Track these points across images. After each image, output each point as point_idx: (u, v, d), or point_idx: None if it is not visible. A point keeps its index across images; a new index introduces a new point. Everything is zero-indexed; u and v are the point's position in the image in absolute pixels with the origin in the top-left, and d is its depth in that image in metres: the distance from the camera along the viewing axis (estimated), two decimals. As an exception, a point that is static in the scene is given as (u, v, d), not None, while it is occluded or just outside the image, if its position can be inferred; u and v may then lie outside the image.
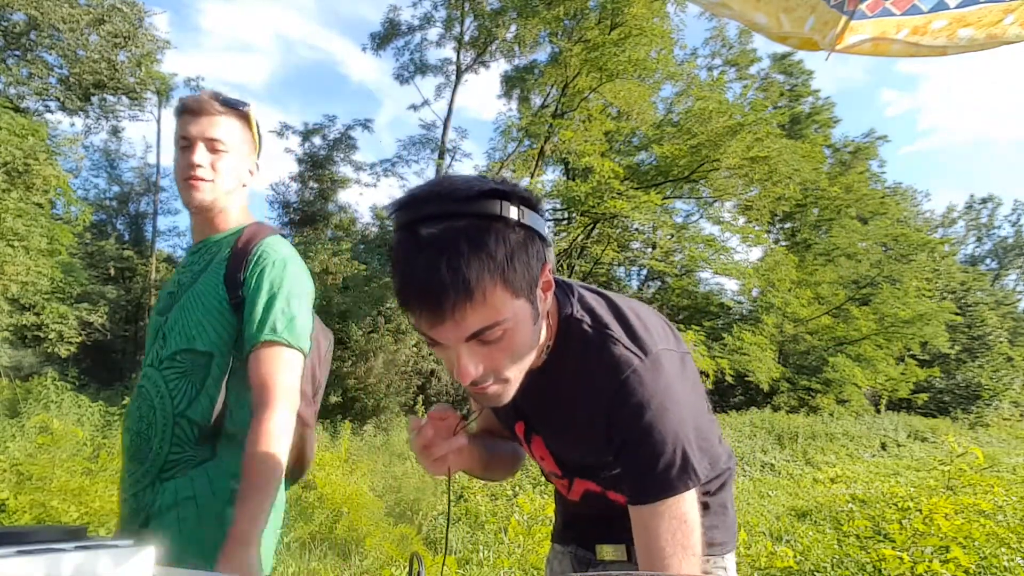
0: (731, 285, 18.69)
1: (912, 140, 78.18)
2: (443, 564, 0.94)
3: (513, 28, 16.00)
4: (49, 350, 11.42)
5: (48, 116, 14.22)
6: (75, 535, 0.72)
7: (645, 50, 13.69)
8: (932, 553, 3.42)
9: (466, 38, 16.65)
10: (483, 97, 55.54)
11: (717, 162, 13.98)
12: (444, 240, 0.68)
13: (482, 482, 5.32)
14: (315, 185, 18.18)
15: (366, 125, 18.23)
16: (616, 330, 0.86)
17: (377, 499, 5.23)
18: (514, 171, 14.87)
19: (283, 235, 1.33)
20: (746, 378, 14.73)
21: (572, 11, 14.55)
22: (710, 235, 15.46)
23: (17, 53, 13.06)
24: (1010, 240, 35.56)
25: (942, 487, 5.56)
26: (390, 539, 4.34)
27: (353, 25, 53.36)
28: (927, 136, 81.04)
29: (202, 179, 1.24)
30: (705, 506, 0.97)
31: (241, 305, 1.19)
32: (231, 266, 1.22)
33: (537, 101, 16.77)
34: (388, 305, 11.81)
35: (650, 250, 17.11)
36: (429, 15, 16.93)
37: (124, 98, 15.20)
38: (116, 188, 19.96)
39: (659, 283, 19.12)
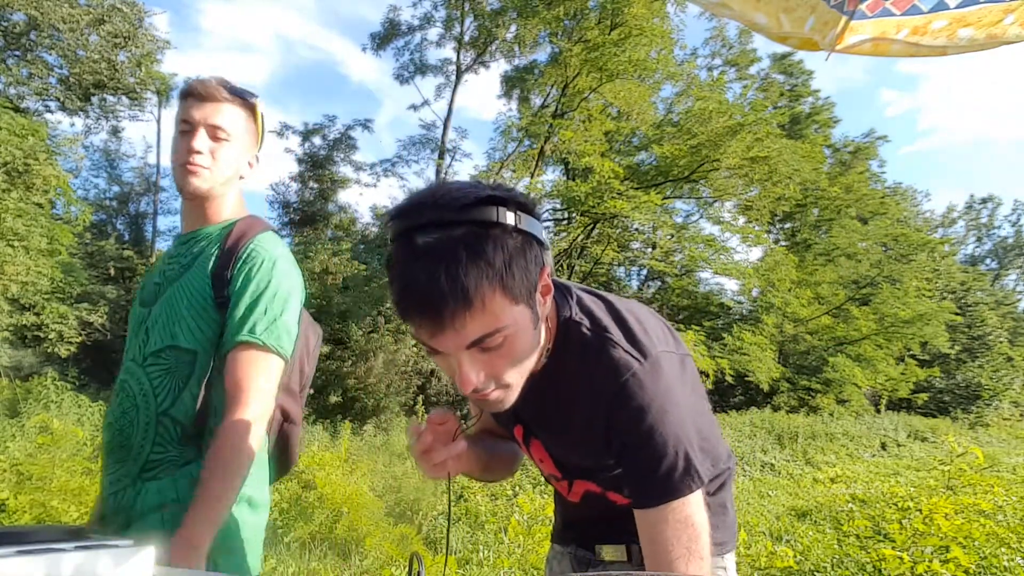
0: (731, 285, 18.72)
1: (912, 140, 78.27)
2: (444, 565, 0.94)
3: (513, 28, 16.00)
4: (49, 350, 11.41)
5: (48, 116, 14.22)
6: (75, 535, 0.72)
7: (645, 50, 13.68)
8: (932, 553, 3.42)
9: (466, 38, 16.65)
10: (483, 97, 55.54)
11: (717, 162, 13.97)
12: (442, 249, 0.68)
13: (482, 482, 5.31)
14: (315, 185, 18.18)
15: (366, 125, 18.27)
16: (615, 333, 0.85)
17: (377, 499, 5.22)
18: (514, 171, 14.87)
19: (276, 231, 1.30)
20: (746, 378, 14.73)
21: (572, 11, 14.55)
22: (710, 235, 15.46)
23: (17, 53, 13.05)
24: (1010, 240, 35.56)
25: (942, 487, 5.56)
26: (390, 539, 4.33)
27: (353, 25, 53.38)
28: (927, 136, 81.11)
29: (200, 166, 1.21)
30: (705, 506, 0.97)
31: (227, 303, 1.16)
32: (219, 263, 1.19)
33: (537, 101, 16.77)
34: (388, 305, 11.81)
35: (650, 250, 17.10)
36: (429, 15, 16.95)
37: (124, 98, 15.18)
38: (116, 188, 19.93)
39: (659, 283, 19.11)
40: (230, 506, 1.04)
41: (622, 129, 15.94)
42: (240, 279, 1.17)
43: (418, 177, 18.56)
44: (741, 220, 17.32)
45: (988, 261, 35.33)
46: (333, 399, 11.17)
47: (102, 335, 12.65)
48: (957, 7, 1.26)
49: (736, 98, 16.55)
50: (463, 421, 0.93)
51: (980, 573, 3.49)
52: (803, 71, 21.93)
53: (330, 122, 18.13)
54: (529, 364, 0.80)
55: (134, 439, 1.14)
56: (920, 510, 4.04)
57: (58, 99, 13.95)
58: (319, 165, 18.07)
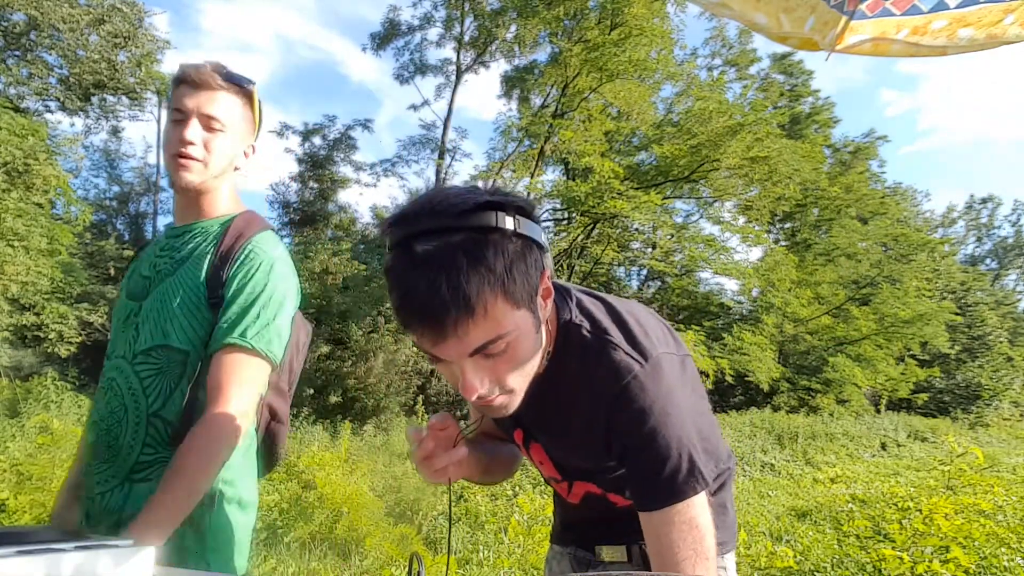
0: (731, 285, 18.71)
1: (912, 140, 78.28)
2: (448, 565, 0.94)
3: (513, 28, 16.00)
4: (49, 350, 11.41)
5: (48, 116, 14.22)
6: (75, 535, 0.72)
7: (645, 50, 13.68)
8: (932, 553, 3.42)
9: (466, 38, 16.65)
10: (483, 97, 55.49)
11: (717, 162, 13.97)
12: (441, 256, 0.67)
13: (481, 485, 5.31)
14: (315, 185, 18.19)
15: (366, 125, 18.29)
16: (615, 335, 0.85)
17: (377, 499, 5.22)
18: (514, 171, 14.87)
19: (273, 230, 1.26)
20: (746, 378, 14.72)
21: (572, 11, 14.55)
22: (710, 235, 15.46)
23: (17, 53, 13.05)
24: (1010, 240, 35.56)
25: (942, 487, 5.56)
26: (390, 539, 4.33)
27: (353, 25, 53.35)
28: (927, 136, 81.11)
29: (193, 158, 1.15)
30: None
31: (220, 304, 1.13)
32: (216, 263, 1.15)
33: (537, 101, 16.77)
34: (388, 305, 11.76)
35: (650, 250, 17.10)
36: (429, 15, 16.95)
37: (124, 98, 15.18)
38: (116, 188, 19.96)
39: (659, 283, 19.11)
40: (195, 501, 1.00)
41: (622, 129, 15.93)
42: (236, 281, 1.13)
43: (418, 177, 18.59)
44: (741, 220, 17.33)
45: (988, 261, 35.34)
46: (333, 399, 11.17)
47: (102, 335, 12.64)
48: (957, 7, 1.26)
49: (736, 98, 16.56)
50: (462, 421, 0.93)
51: (980, 573, 3.49)
52: (803, 71, 21.95)
53: (330, 122, 18.17)
54: (532, 368, 0.80)
55: (122, 439, 1.11)
56: (920, 510, 4.04)
57: (58, 99, 13.95)
58: (319, 165, 18.08)
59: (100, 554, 0.67)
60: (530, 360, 0.78)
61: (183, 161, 1.15)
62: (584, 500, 1.06)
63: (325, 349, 11.83)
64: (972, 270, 28.25)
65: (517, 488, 5.86)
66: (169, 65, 14.84)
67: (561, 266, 14.49)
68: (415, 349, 11.67)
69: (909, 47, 1.31)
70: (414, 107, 18.96)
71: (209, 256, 1.16)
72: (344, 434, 7.88)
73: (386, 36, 17.42)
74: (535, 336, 0.77)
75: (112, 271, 14.48)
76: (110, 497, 1.10)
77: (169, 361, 1.12)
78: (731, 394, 16.71)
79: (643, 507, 0.82)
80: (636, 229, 16.59)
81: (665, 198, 14.88)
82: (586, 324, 0.87)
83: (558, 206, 16.08)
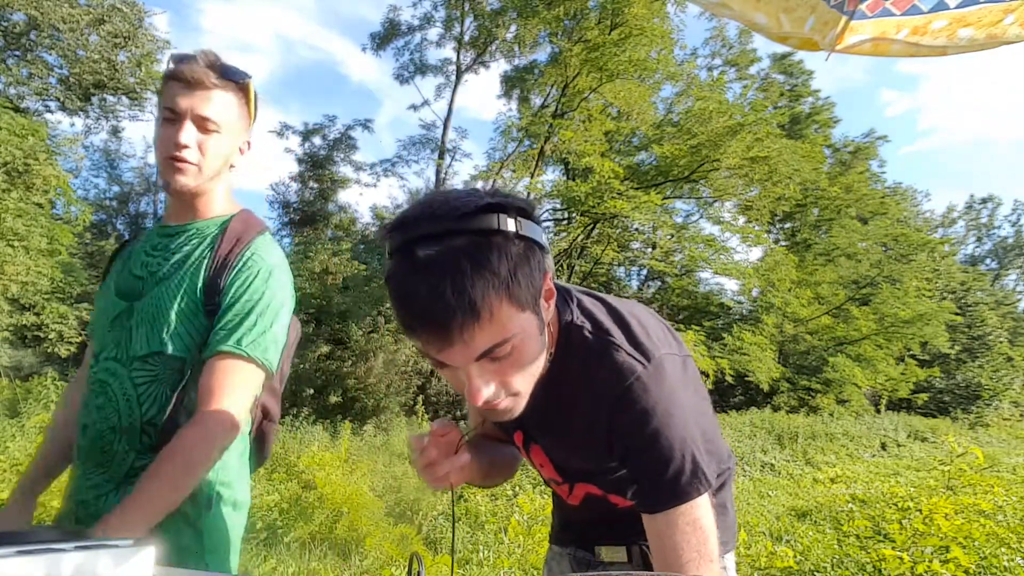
0: (731, 285, 18.71)
1: (912, 140, 78.33)
2: (452, 567, 0.94)
3: (513, 28, 16.00)
4: (49, 350, 11.41)
5: (48, 116, 14.21)
6: (75, 535, 0.72)
7: (645, 50, 13.68)
8: (932, 553, 3.42)
9: (466, 38, 16.66)
10: (483, 97, 55.50)
11: (717, 162, 13.97)
12: (445, 261, 0.66)
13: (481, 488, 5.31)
14: (315, 185, 18.19)
15: (366, 125, 18.28)
16: (617, 336, 0.85)
17: (377, 499, 5.22)
18: (514, 171, 14.87)
19: (270, 231, 1.24)
20: (746, 378, 14.72)
21: (572, 11, 14.54)
22: (710, 235, 15.45)
23: (17, 53, 13.05)
24: (1010, 240, 35.55)
25: (942, 487, 5.56)
26: (390, 539, 4.33)
27: (353, 25, 53.34)
28: (927, 136, 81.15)
29: (188, 161, 1.11)
30: None
31: (217, 311, 1.11)
32: (214, 269, 1.12)
33: (537, 101, 16.77)
34: (388, 305, 11.77)
35: (650, 250, 17.10)
36: (429, 15, 16.95)
37: (124, 98, 15.16)
38: (116, 188, 19.98)
39: (659, 283, 19.12)
40: (174, 502, 0.98)
41: (622, 129, 15.93)
42: (233, 288, 1.11)
43: (418, 177, 18.65)
44: (741, 220, 17.33)
45: (988, 261, 35.34)
46: (333, 399, 11.17)
47: (102, 335, 12.63)
48: (957, 7, 1.26)
49: (736, 98, 16.56)
50: (462, 422, 0.93)
51: (980, 573, 3.49)
52: (803, 71, 21.94)
53: (330, 122, 18.17)
54: (537, 370, 0.79)
55: (116, 445, 1.09)
56: (920, 510, 4.04)
57: (58, 99, 13.94)
58: (319, 165, 18.07)
59: (100, 554, 0.66)
60: (535, 362, 0.78)
61: (178, 165, 1.11)
62: (584, 501, 1.06)
63: (325, 349, 11.84)
64: (972, 270, 28.25)
65: (517, 488, 5.86)
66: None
67: (561, 266, 14.49)
68: (415, 349, 11.64)
69: (909, 47, 1.31)
70: (414, 107, 19.02)
71: (206, 261, 1.14)
72: (344, 434, 7.87)
73: (386, 36, 17.42)
74: (539, 338, 0.76)
75: (112, 271, 14.46)
76: (104, 502, 1.09)
77: (165, 369, 1.10)
78: (731, 394, 16.71)
79: (646, 509, 0.81)
80: (636, 229, 16.59)
81: (665, 198, 14.87)
82: (588, 325, 0.87)
83: (558, 206, 16.08)
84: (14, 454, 5.26)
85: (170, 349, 1.10)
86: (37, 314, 11.14)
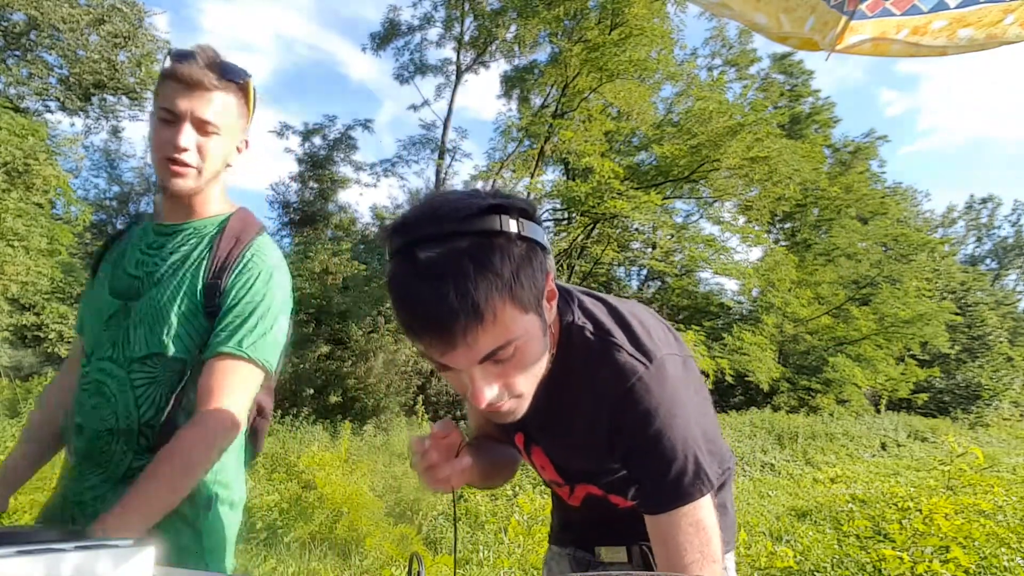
0: (731, 285, 18.71)
1: (912, 140, 78.45)
2: (454, 567, 0.94)
3: (513, 28, 16.00)
4: (49, 350, 11.40)
5: (48, 116, 14.21)
6: (75, 535, 0.72)
7: (645, 50, 13.68)
8: (932, 553, 3.42)
9: (466, 38, 16.66)
10: (483, 97, 55.49)
11: (717, 162, 13.97)
12: (447, 263, 0.66)
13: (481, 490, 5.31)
14: (315, 185, 18.19)
15: (366, 125, 18.29)
16: (619, 336, 0.84)
17: (377, 499, 5.22)
18: (514, 171, 14.87)
19: (267, 230, 1.23)
20: (746, 378, 14.72)
21: (572, 11, 14.54)
22: (710, 235, 15.45)
23: (17, 53, 13.05)
24: (1010, 240, 35.57)
25: (942, 487, 5.56)
26: (390, 539, 4.33)
27: (353, 25, 53.32)
28: (927, 136, 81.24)
29: (187, 164, 1.09)
30: None
31: (217, 312, 1.10)
32: (214, 270, 1.11)
33: (537, 101, 16.77)
34: (388, 305, 11.77)
35: (650, 250, 17.10)
36: (429, 15, 16.96)
37: (124, 98, 15.16)
38: (116, 188, 20.00)
39: (659, 283, 19.12)
40: (172, 503, 0.97)
41: (622, 129, 15.93)
42: (234, 290, 1.11)
43: (418, 177, 18.60)
44: (741, 220, 17.32)
45: (988, 261, 35.35)
46: (333, 399, 11.17)
47: (102, 335, 12.62)
48: (957, 7, 1.26)
49: (736, 98, 16.55)
50: (462, 422, 0.93)
51: (980, 573, 3.50)
52: (803, 71, 21.93)
53: (330, 122, 18.17)
54: (539, 371, 0.79)
55: (114, 446, 1.09)
56: (920, 510, 4.03)
57: (58, 99, 13.94)
58: (319, 165, 18.07)
59: (100, 554, 0.66)
60: (538, 363, 0.77)
61: (176, 168, 1.09)
62: (585, 502, 1.05)
63: (325, 349, 11.84)
64: (972, 270, 28.25)
65: (517, 488, 5.86)
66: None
67: (561, 266, 14.48)
68: (415, 349, 11.64)
69: (909, 47, 1.31)
70: (414, 107, 19.01)
71: (205, 262, 1.13)
72: (344, 434, 7.87)
73: (386, 36, 17.43)
74: (542, 339, 0.76)
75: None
76: (102, 502, 1.08)
77: (165, 371, 1.09)
78: (731, 394, 16.70)
79: (649, 510, 0.81)
80: (636, 229, 16.59)
81: (665, 198, 14.88)
82: (589, 326, 0.87)
83: (558, 206, 16.07)
84: (14, 454, 5.25)
85: (170, 351, 1.09)
86: (37, 314, 11.14)
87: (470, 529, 4.95)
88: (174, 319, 1.10)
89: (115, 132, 18.44)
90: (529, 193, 13.70)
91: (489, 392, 0.73)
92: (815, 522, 5.73)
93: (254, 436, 1.32)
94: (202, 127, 1.09)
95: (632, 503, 0.99)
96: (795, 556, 3.75)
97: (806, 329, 17.96)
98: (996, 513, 4.65)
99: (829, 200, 19.49)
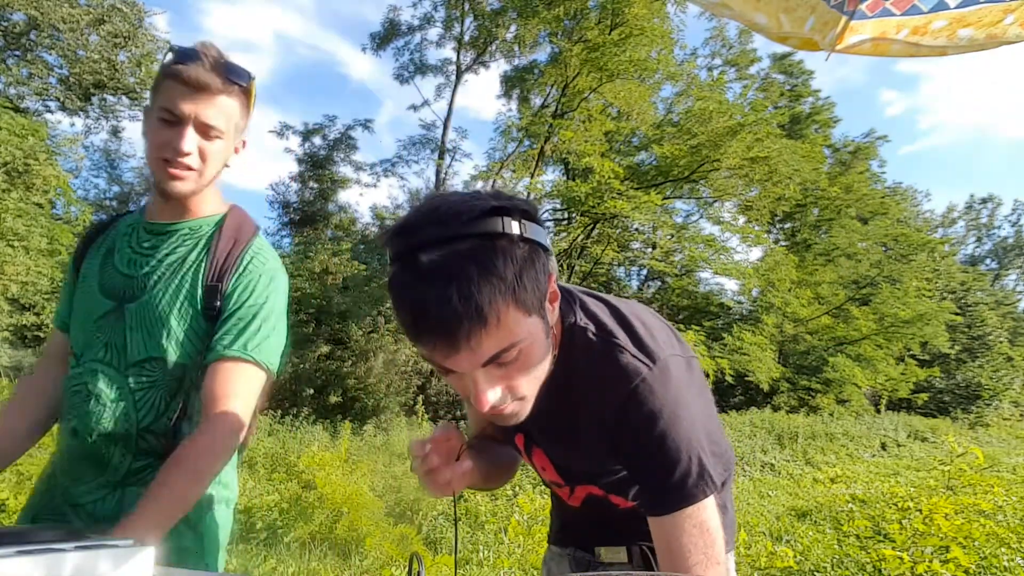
0: (731, 285, 18.72)
1: (912, 140, 78.37)
2: (455, 567, 0.94)
3: (513, 28, 16.01)
4: (49, 350, 11.41)
5: (48, 116, 14.21)
6: (75, 535, 0.72)
7: (645, 50, 13.69)
8: (932, 553, 3.42)
9: (466, 38, 16.66)
10: (483, 97, 55.52)
11: (717, 162, 13.98)
12: (450, 266, 0.65)
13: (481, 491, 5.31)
14: (315, 185, 18.19)
15: (366, 125, 18.29)
16: (622, 338, 0.84)
17: (377, 499, 5.22)
18: (514, 171, 14.87)
19: (262, 230, 1.23)
20: (746, 378, 14.73)
21: (572, 11, 14.55)
22: (710, 235, 15.46)
23: (17, 53, 13.05)
24: (1010, 240, 35.58)
25: (942, 487, 5.56)
26: (390, 539, 4.33)
27: (353, 25, 53.40)
28: (927, 136, 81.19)
29: (188, 168, 1.07)
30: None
31: (217, 315, 1.09)
32: (213, 273, 1.10)
33: (537, 101, 16.78)
34: (388, 305, 11.77)
35: (650, 250, 17.10)
36: (429, 15, 16.97)
37: (124, 98, 15.16)
38: (116, 188, 19.97)
39: (659, 283, 19.12)
40: (183, 511, 0.97)
41: (622, 129, 15.93)
42: (236, 294, 1.10)
43: (418, 177, 18.62)
44: (741, 220, 17.33)
45: (988, 261, 35.37)
46: (333, 399, 11.17)
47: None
48: (957, 7, 1.26)
49: (736, 98, 16.55)
50: (462, 423, 0.93)
51: (980, 573, 3.50)
52: (803, 71, 21.94)
53: (330, 122, 18.17)
54: (542, 374, 0.79)
55: (113, 449, 1.08)
56: (920, 510, 4.03)
57: (58, 99, 13.94)
58: (319, 165, 18.07)
59: (100, 554, 0.66)
60: (540, 366, 0.77)
61: (177, 172, 1.06)
62: (585, 502, 1.05)
63: (325, 349, 11.84)
64: (972, 270, 28.26)
65: (517, 488, 5.86)
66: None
67: (561, 266, 14.48)
68: (415, 349, 11.64)
69: (909, 47, 1.31)
70: (414, 107, 19.00)
71: (204, 264, 1.11)
72: (344, 434, 7.88)
73: (386, 36, 17.43)
74: (545, 341, 0.76)
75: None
76: (102, 504, 1.08)
77: (164, 375, 1.08)
78: (731, 394, 16.71)
79: (653, 511, 0.81)
80: (636, 229, 16.60)
81: (665, 198, 14.88)
82: (591, 327, 0.86)
83: (558, 206, 16.08)
84: (14, 454, 5.25)
85: (170, 354, 1.08)
86: (37, 314, 11.14)
87: (470, 529, 4.95)
88: (173, 323, 1.08)
89: (115, 132, 18.41)
90: (529, 193, 13.70)
91: (492, 395, 0.72)
92: (815, 522, 5.73)
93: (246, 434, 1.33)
94: (205, 131, 1.06)
95: (633, 503, 0.99)
96: (795, 556, 3.75)
97: (806, 329, 17.97)
98: (996, 513, 4.65)
99: (829, 200, 19.49)
